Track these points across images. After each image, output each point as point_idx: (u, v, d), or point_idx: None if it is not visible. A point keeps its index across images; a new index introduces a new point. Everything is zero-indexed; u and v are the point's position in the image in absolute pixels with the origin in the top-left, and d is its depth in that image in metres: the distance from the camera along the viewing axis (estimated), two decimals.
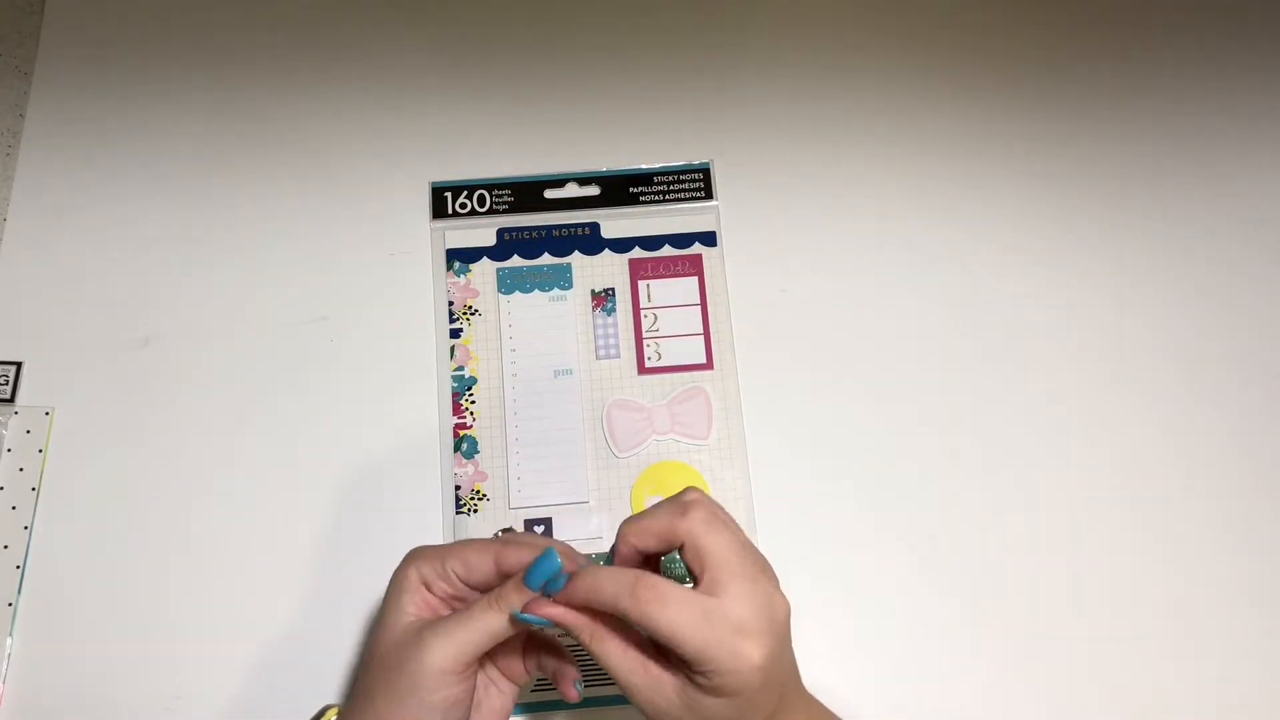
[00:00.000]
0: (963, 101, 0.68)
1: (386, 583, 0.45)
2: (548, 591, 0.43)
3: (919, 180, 0.66)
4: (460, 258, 0.63)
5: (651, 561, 0.47)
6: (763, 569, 0.43)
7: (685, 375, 0.60)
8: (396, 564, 0.46)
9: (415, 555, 0.46)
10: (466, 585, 0.46)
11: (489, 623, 0.43)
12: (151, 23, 0.69)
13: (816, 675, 0.55)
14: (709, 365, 0.61)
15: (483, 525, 0.57)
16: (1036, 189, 0.66)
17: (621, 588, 0.41)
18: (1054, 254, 0.64)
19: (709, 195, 0.64)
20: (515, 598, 0.43)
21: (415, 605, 0.45)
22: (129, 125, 0.66)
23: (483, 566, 0.45)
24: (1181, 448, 0.60)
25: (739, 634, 0.41)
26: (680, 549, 0.43)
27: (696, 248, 0.63)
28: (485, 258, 0.63)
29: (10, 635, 0.54)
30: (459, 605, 0.46)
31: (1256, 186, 0.67)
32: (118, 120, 0.66)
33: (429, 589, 0.45)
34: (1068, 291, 0.63)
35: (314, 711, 0.49)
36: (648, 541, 0.44)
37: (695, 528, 0.43)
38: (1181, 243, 0.65)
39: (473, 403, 0.60)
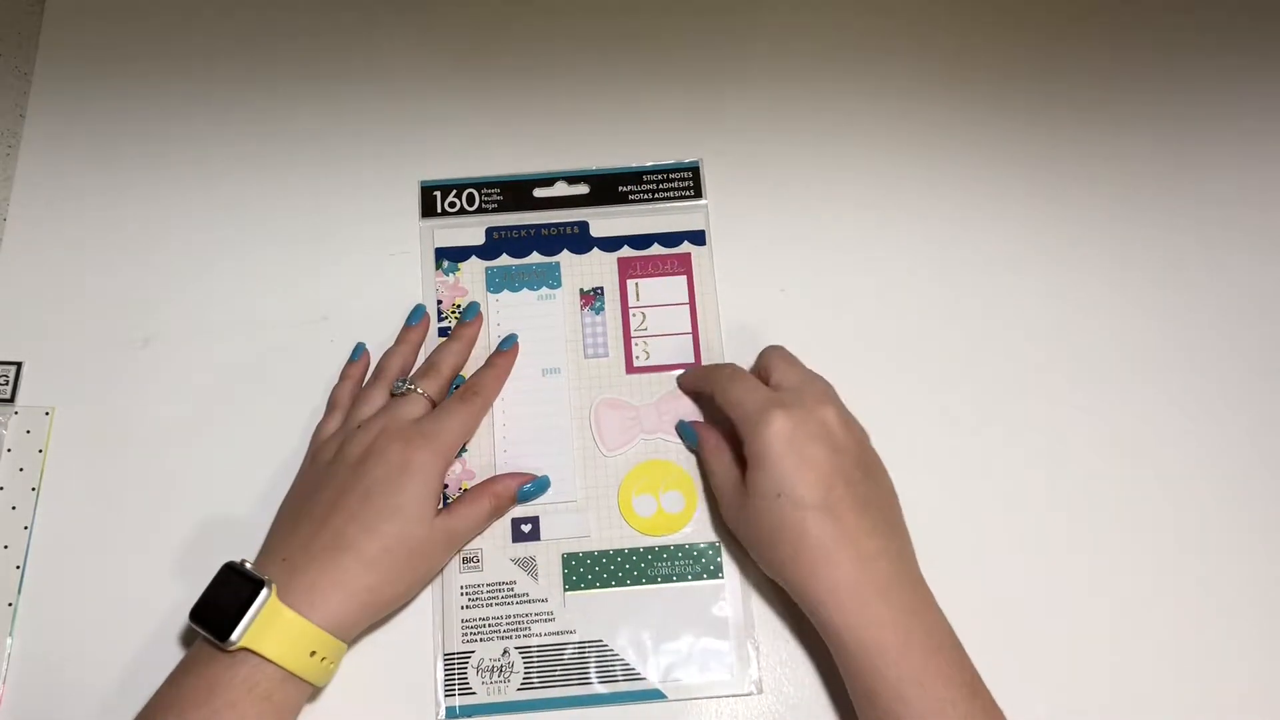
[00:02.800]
0: (954, 99, 0.67)
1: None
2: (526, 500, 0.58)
3: (910, 179, 0.65)
4: (449, 256, 0.63)
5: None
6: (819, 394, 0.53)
7: (674, 374, 0.60)
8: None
9: (437, 452, 0.54)
10: None
11: (490, 518, 0.56)
12: (151, 23, 0.70)
13: (811, 674, 0.55)
14: (698, 364, 0.61)
15: None
16: (1030, 185, 0.65)
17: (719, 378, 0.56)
18: (1050, 251, 0.64)
19: (698, 194, 0.64)
20: (509, 505, 0.57)
21: (437, 500, 0.54)
22: (128, 125, 0.67)
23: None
24: (1184, 447, 0.60)
25: (767, 407, 0.51)
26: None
27: (685, 246, 0.63)
28: (474, 256, 0.63)
29: (10, 635, 0.55)
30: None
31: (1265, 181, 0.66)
32: (117, 120, 0.67)
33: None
34: (1065, 289, 0.63)
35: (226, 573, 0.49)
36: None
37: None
38: (1184, 238, 0.64)
39: None
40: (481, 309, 0.61)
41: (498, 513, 0.57)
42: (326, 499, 0.52)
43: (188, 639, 0.55)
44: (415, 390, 0.56)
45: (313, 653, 0.48)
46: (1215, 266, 0.64)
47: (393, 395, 0.57)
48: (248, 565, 0.50)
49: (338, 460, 0.54)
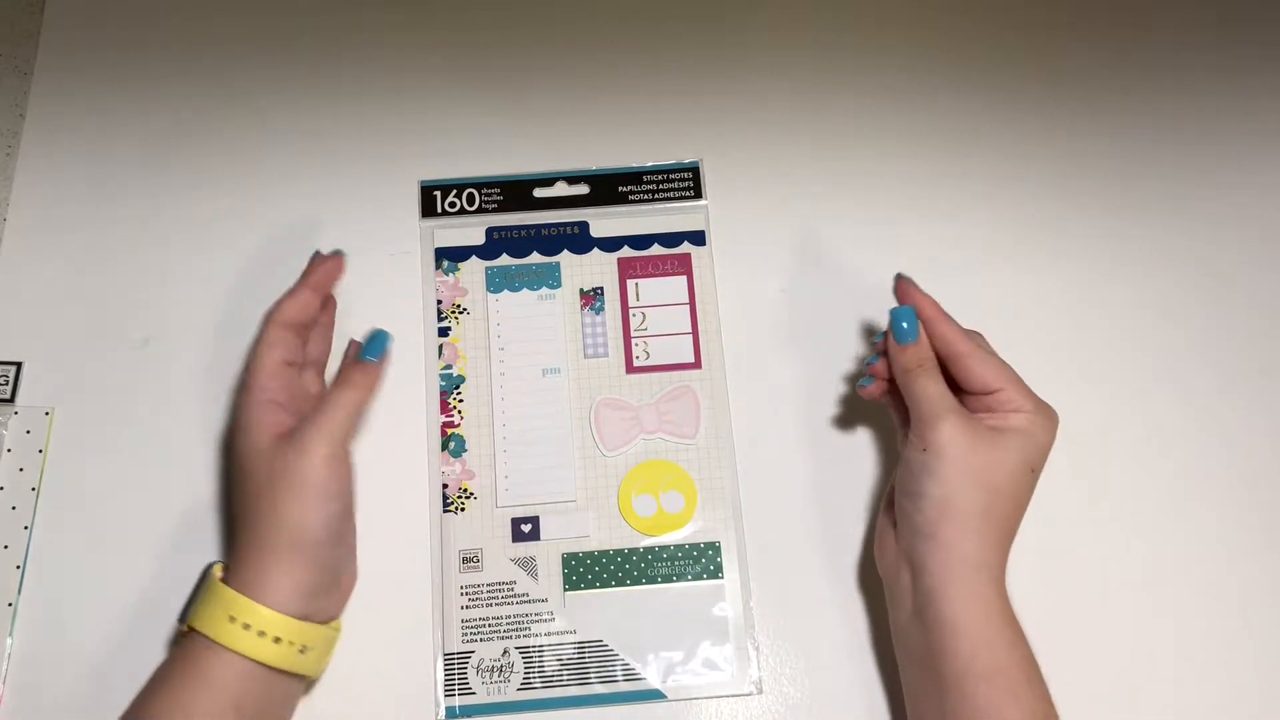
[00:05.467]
0: (953, 100, 0.68)
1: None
2: (373, 356, 0.54)
3: (909, 179, 0.65)
4: (449, 256, 0.63)
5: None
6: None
7: (673, 374, 0.60)
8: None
9: (260, 393, 0.52)
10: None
11: (352, 401, 0.52)
12: (151, 23, 0.70)
13: (811, 675, 0.56)
14: (697, 364, 0.61)
15: (470, 523, 0.58)
16: (1031, 183, 0.65)
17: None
18: (1052, 250, 0.64)
19: (698, 194, 0.64)
20: (360, 375, 0.53)
21: (274, 427, 0.51)
22: (128, 125, 0.67)
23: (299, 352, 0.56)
24: (1191, 447, 0.60)
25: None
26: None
27: (685, 247, 0.63)
28: (474, 256, 0.63)
29: (10, 635, 0.55)
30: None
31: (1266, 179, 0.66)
32: (117, 120, 0.67)
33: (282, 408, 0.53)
34: (1067, 287, 0.63)
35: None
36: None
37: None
38: (1185, 240, 0.64)
39: (460, 401, 0.60)
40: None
41: (356, 386, 0.53)
42: None
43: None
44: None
45: (246, 625, 0.48)
46: (1218, 264, 0.64)
47: None
48: None
49: None
